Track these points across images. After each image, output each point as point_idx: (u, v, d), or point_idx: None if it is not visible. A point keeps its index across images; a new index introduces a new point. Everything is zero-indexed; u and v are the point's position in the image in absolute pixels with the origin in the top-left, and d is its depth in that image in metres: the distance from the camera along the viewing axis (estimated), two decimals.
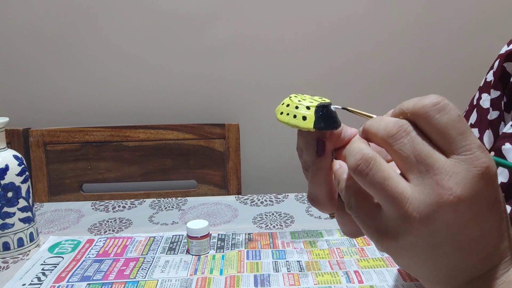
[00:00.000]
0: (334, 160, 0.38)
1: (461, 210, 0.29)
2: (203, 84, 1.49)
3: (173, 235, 0.92)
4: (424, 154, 0.30)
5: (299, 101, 0.37)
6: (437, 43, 1.48)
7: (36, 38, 1.45)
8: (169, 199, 1.13)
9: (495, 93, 0.54)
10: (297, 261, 0.81)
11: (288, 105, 0.38)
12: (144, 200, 1.13)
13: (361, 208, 0.33)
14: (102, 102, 1.50)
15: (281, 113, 0.38)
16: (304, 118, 0.37)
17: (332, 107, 0.39)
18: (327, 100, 0.38)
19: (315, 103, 0.37)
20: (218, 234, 0.92)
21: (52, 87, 1.49)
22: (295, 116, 0.37)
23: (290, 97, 0.39)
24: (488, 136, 0.54)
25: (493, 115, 0.54)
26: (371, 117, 0.36)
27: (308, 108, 0.37)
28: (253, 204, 1.09)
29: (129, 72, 1.48)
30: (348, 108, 0.39)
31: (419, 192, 0.30)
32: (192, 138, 1.40)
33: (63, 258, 0.84)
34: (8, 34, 1.44)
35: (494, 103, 0.54)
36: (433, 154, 0.30)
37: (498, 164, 0.31)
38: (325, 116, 0.37)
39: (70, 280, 0.76)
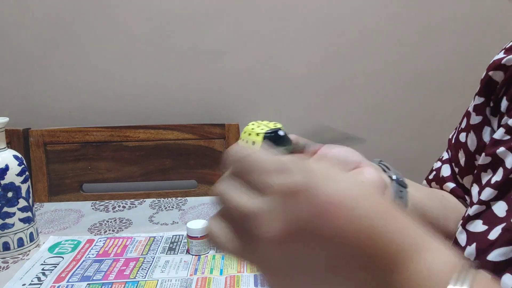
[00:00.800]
0: None
1: (291, 239, 0.28)
2: (203, 84, 1.49)
3: (173, 235, 0.92)
4: (235, 201, 0.31)
5: (252, 128, 0.44)
6: (440, 45, 1.47)
7: (36, 38, 1.45)
8: (169, 199, 1.13)
9: (479, 100, 0.57)
10: None
11: (245, 132, 0.44)
12: (144, 200, 1.13)
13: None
14: (102, 102, 1.50)
15: (242, 139, 0.44)
16: (253, 142, 0.43)
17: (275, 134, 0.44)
18: (279, 125, 0.44)
19: (265, 129, 0.43)
20: None
21: (52, 87, 1.49)
22: (247, 142, 0.43)
23: (248, 124, 0.45)
24: (471, 139, 0.58)
25: (475, 119, 0.57)
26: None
27: (257, 134, 0.43)
28: None
29: (129, 72, 1.48)
30: (286, 135, 0.44)
31: (243, 240, 0.31)
32: (192, 138, 1.40)
33: (63, 258, 0.84)
34: (8, 34, 1.44)
35: (477, 108, 0.57)
36: (243, 199, 0.31)
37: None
38: (272, 140, 0.42)
39: (70, 280, 0.76)
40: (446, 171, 0.63)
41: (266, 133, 0.42)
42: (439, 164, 0.65)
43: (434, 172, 0.65)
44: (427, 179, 0.66)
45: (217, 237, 0.31)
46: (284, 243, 0.28)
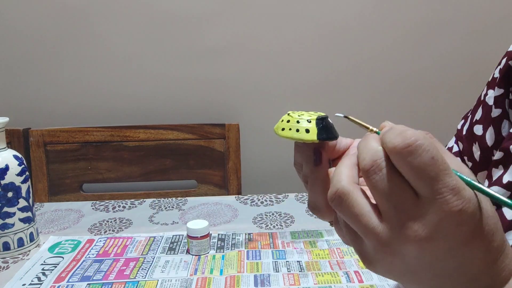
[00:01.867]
0: (331, 169, 0.40)
1: (428, 248, 0.30)
2: (203, 84, 1.49)
3: (173, 235, 0.92)
4: (394, 192, 0.31)
5: (298, 116, 0.40)
6: (442, 44, 1.48)
7: (36, 38, 1.45)
8: (169, 199, 1.13)
9: (499, 91, 0.54)
10: (297, 261, 0.81)
11: (288, 121, 0.40)
12: (144, 200, 1.13)
13: (348, 231, 0.35)
14: (102, 102, 1.50)
15: (283, 129, 0.40)
16: (307, 131, 0.39)
17: (336, 114, 0.41)
18: (323, 114, 0.41)
19: (315, 116, 0.40)
20: (218, 234, 0.92)
21: (52, 87, 1.49)
22: (298, 130, 0.39)
23: (289, 113, 0.41)
24: (490, 133, 0.54)
25: (495, 112, 0.54)
26: (368, 127, 0.37)
27: (309, 121, 0.39)
28: (253, 204, 1.09)
29: (129, 72, 1.48)
30: (349, 117, 0.40)
31: (387, 228, 0.31)
32: (192, 138, 1.40)
33: (63, 258, 0.84)
34: (8, 34, 1.44)
35: (497, 100, 0.54)
36: (402, 194, 0.31)
37: (472, 187, 0.31)
38: (326, 128, 0.39)
39: (70, 280, 0.76)
40: None
41: (317, 119, 0.40)
42: None
43: None
44: None
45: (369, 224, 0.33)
46: (423, 246, 0.30)
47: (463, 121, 0.62)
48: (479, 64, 0.52)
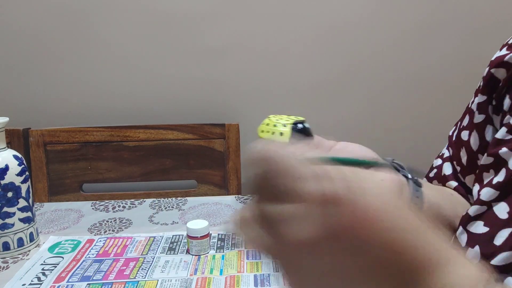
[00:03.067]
0: None
1: (321, 245, 0.29)
2: (203, 84, 1.49)
3: (173, 235, 0.92)
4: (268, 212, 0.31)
5: (276, 120, 0.43)
6: (442, 44, 1.47)
7: (36, 38, 1.45)
8: (169, 199, 1.13)
9: (482, 98, 0.56)
10: None
11: (267, 124, 0.43)
12: (144, 200, 1.13)
13: None
14: (102, 102, 1.50)
15: (262, 131, 0.43)
16: (282, 134, 0.42)
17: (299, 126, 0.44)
18: (302, 118, 0.44)
19: (291, 121, 0.43)
20: (218, 234, 0.92)
21: (52, 87, 1.49)
22: (273, 133, 0.42)
23: (269, 117, 0.44)
24: (474, 138, 0.57)
25: (478, 118, 0.56)
26: None
27: (284, 125, 0.42)
28: None
29: (129, 72, 1.48)
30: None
31: (278, 243, 0.31)
32: (192, 138, 1.40)
33: (63, 258, 0.84)
34: (8, 34, 1.44)
35: (480, 107, 0.56)
36: (275, 211, 0.30)
37: (337, 161, 0.30)
38: (299, 131, 0.42)
39: (70, 280, 0.76)
40: (447, 169, 0.62)
41: (293, 123, 0.42)
42: (439, 161, 0.64)
43: (435, 170, 0.64)
44: (427, 176, 0.64)
45: (247, 233, 0.32)
46: (316, 247, 0.28)
47: (454, 127, 0.64)
48: (479, 65, 0.53)
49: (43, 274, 0.79)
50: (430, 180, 0.64)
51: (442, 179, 0.62)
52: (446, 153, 0.64)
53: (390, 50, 1.48)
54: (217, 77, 1.49)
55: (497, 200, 0.47)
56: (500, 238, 0.44)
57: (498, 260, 0.43)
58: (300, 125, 0.42)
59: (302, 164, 0.28)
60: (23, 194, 0.86)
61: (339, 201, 0.27)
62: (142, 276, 0.77)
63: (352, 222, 0.28)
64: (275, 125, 0.43)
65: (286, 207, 0.29)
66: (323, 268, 0.30)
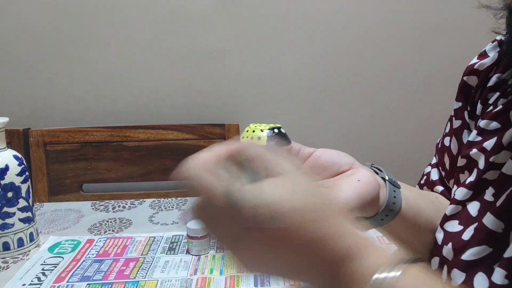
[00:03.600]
0: None
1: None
2: (203, 84, 1.49)
3: (173, 235, 0.92)
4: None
5: (255, 127, 0.48)
6: (443, 45, 1.47)
7: (36, 38, 1.45)
8: (169, 199, 1.13)
9: (457, 104, 0.59)
10: None
11: (247, 131, 0.48)
12: (144, 200, 1.13)
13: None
14: (102, 102, 1.50)
15: (243, 137, 0.48)
16: (259, 138, 0.47)
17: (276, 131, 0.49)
18: (278, 125, 0.49)
19: (268, 127, 0.48)
20: None
21: (52, 87, 1.49)
22: (252, 138, 0.47)
23: (250, 125, 0.49)
24: (453, 143, 0.59)
25: (456, 124, 0.59)
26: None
27: (262, 131, 0.47)
28: None
29: (129, 72, 1.48)
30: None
31: None
32: (192, 138, 1.40)
33: (63, 258, 0.84)
34: (8, 34, 1.44)
35: (457, 113, 0.59)
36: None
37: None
38: (276, 136, 0.47)
39: (70, 280, 0.76)
40: (434, 175, 0.64)
41: (270, 129, 0.47)
42: (429, 168, 0.66)
43: (425, 177, 0.66)
44: (419, 184, 0.67)
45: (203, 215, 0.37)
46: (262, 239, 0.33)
47: (441, 136, 0.66)
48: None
49: (43, 274, 0.79)
50: (421, 186, 0.66)
51: (430, 185, 0.64)
52: (434, 160, 0.66)
53: (390, 51, 1.48)
54: (217, 78, 1.49)
55: (470, 199, 0.49)
56: (468, 233, 0.46)
57: (467, 255, 0.45)
58: (276, 130, 0.47)
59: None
60: (23, 194, 0.86)
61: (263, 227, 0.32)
62: (142, 276, 0.77)
63: (276, 244, 0.33)
64: (253, 131, 0.48)
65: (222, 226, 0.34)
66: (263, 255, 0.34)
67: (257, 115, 1.51)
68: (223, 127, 1.40)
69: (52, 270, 0.80)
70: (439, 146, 0.64)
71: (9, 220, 0.84)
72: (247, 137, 0.47)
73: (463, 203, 0.49)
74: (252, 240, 0.33)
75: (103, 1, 1.41)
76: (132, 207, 1.09)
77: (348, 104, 1.51)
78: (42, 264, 0.82)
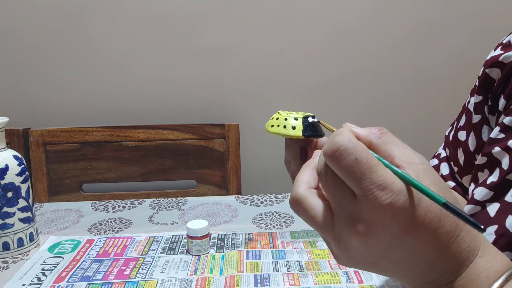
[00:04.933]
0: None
1: (370, 242, 0.33)
2: (203, 84, 1.49)
3: (173, 235, 0.92)
4: (336, 194, 0.34)
5: (287, 114, 0.43)
6: (443, 46, 1.47)
7: (36, 39, 1.45)
8: (169, 199, 1.13)
9: (478, 98, 0.56)
10: (297, 261, 0.81)
11: (277, 119, 0.43)
12: (144, 200, 1.13)
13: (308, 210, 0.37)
14: (102, 102, 1.50)
15: (272, 126, 0.43)
16: (294, 127, 0.42)
17: (310, 120, 0.44)
18: (311, 113, 0.44)
19: (302, 115, 0.43)
20: (218, 234, 0.92)
21: (52, 87, 1.49)
22: (285, 127, 0.42)
23: (279, 112, 0.44)
24: (471, 139, 0.57)
25: (475, 118, 0.56)
26: (333, 130, 0.41)
27: (296, 119, 0.42)
28: (253, 204, 1.09)
29: (129, 73, 1.48)
30: (321, 121, 0.44)
31: (338, 225, 0.34)
32: (192, 138, 1.40)
33: (63, 258, 0.84)
34: (8, 34, 1.44)
35: (477, 107, 0.56)
36: (343, 193, 0.34)
37: (406, 181, 0.33)
38: (311, 126, 0.42)
39: (70, 280, 0.76)
40: (445, 169, 0.62)
41: (304, 117, 0.43)
42: (436, 161, 0.64)
43: None
44: None
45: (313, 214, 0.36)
46: (366, 239, 0.33)
47: (450, 127, 0.64)
48: (480, 65, 0.53)
49: (43, 274, 0.79)
50: None
51: None
52: (443, 153, 0.64)
53: (390, 52, 1.48)
54: (217, 77, 1.49)
55: (491, 200, 0.47)
56: (487, 236, 0.45)
57: None
58: (311, 119, 0.43)
59: (380, 170, 0.32)
60: (23, 194, 0.86)
61: (400, 210, 0.32)
62: (142, 276, 0.77)
63: (411, 226, 0.32)
64: (285, 119, 0.43)
65: (354, 205, 0.33)
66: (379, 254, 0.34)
67: (257, 115, 1.51)
68: (223, 127, 1.40)
69: (52, 270, 0.80)
70: (451, 139, 0.62)
71: (9, 220, 0.84)
72: (278, 125, 0.43)
73: (482, 204, 0.48)
74: (391, 229, 0.32)
75: (103, 1, 1.41)
76: (132, 207, 1.09)
77: (349, 103, 1.52)
78: (42, 264, 0.82)
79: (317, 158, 0.38)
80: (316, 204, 0.36)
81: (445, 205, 0.30)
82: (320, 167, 0.35)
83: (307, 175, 0.38)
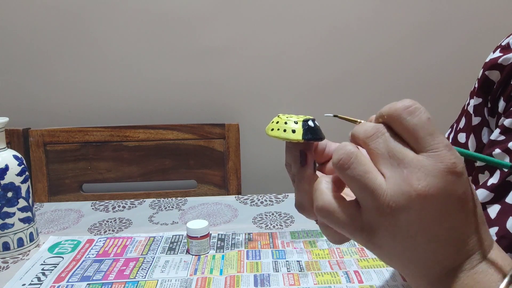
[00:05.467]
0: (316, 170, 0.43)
1: (430, 200, 0.32)
2: (203, 84, 1.49)
3: (173, 235, 0.92)
4: (395, 150, 0.34)
5: (287, 117, 0.43)
6: (443, 45, 1.48)
7: (36, 39, 1.45)
8: (169, 199, 1.13)
9: (477, 100, 0.57)
10: (297, 261, 0.81)
11: (277, 122, 0.43)
12: (144, 200, 1.13)
13: (337, 219, 0.36)
14: (102, 102, 1.50)
15: (272, 129, 0.43)
16: (294, 131, 0.42)
17: (325, 115, 0.44)
18: (311, 117, 0.44)
19: (302, 118, 0.43)
20: (218, 234, 0.92)
21: (52, 87, 1.49)
22: (285, 131, 0.42)
23: (279, 115, 0.44)
24: (471, 141, 0.57)
25: (475, 120, 0.57)
26: (357, 121, 0.40)
27: (296, 122, 0.42)
28: (253, 204, 1.09)
29: (129, 73, 1.48)
30: (338, 115, 0.43)
31: (392, 183, 0.33)
32: (192, 138, 1.40)
33: (63, 258, 0.84)
34: (8, 35, 1.44)
35: (476, 109, 0.57)
36: (404, 151, 0.34)
37: (464, 155, 0.34)
38: (311, 129, 0.42)
39: (70, 280, 0.76)
40: None
41: (304, 121, 0.42)
42: None
43: None
44: None
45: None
46: (426, 197, 0.32)
47: (450, 129, 0.64)
48: (480, 67, 0.53)
49: (43, 274, 0.79)
50: None
51: None
52: None
53: (390, 52, 1.48)
54: (217, 77, 1.49)
55: (492, 202, 0.48)
56: None
57: None
58: (311, 122, 0.42)
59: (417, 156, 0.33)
60: (23, 194, 0.86)
61: (460, 173, 0.32)
62: (142, 276, 0.77)
63: (463, 195, 0.33)
64: (285, 123, 0.43)
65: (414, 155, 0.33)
66: (411, 229, 0.33)
67: (257, 115, 1.51)
68: (223, 127, 1.40)
69: (52, 270, 0.80)
70: (450, 141, 0.62)
71: (9, 220, 0.84)
72: (278, 129, 0.43)
73: (483, 206, 0.48)
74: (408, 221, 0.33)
75: (103, 1, 1.41)
76: (132, 207, 1.09)
77: (348, 104, 1.52)
78: (42, 264, 0.82)
79: (344, 142, 0.38)
80: (367, 161, 0.35)
81: None
82: (372, 130, 0.36)
83: (350, 143, 0.37)
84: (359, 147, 0.37)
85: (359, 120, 0.40)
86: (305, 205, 0.43)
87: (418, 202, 0.32)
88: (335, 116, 0.43)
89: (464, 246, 0.34)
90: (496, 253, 0.35)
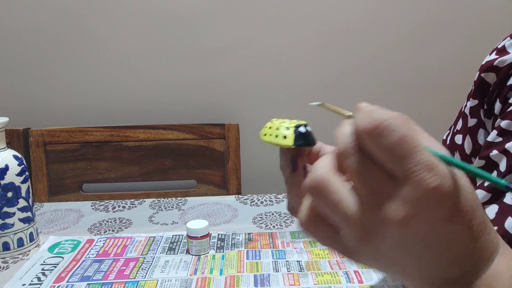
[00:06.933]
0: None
1: (410, 225, 0.29)
2: (203, 84, 1.49)
3: (173, 235, 0.92)
4: (367, 176, 0.30)
5: (280, 123, 0.43)
6: (444, 45, 1.48)
7: (36, 39, 1.45)
8: (169, 199, 1.13)
9: (473, 102, 0.57)
10: (297, 261, 0.81)
11: (270, 127, 0.44)
12: (144, 200, 1.13)
13: (324, 228, 0.33)
14: (102, 102, 1.50)
15: (265, 134, 0.44)
16: (285, 137, 0.42)
17: (310, 104, 0.44)
18: (304, 122, 0.44)
19: (294, 124, 0.43)
20: (218, 234, 0.92)
21: (52, 87, 1.49)
22: (277, 136, 0.43)
23: (272, 121, 0.44)
24: (467, 142, 0.58)
25: (471, 122, 0.57)
26: (343, 113, 0.38)
27: (287, 128, 0.42)
28: (253, 204, 1.09)
29: (129, 73, 1.48)
30: (325, 104, 0.41)
31: (366, 212, 0.30)
32: (192, 138, 1.40)
33: (63, 258, 0.84)
34: (8, 35, 1.44)
35: (472, 111, 0.57)
36: (376, 175, 0.30)
37: (456, 166, 0.31)
38: (302, 135, 0.42)
39: (70, 280, 0.76)
40: None
41: (296, 126, 0.42)
42: None
43: None
44: None
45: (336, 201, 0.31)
46: (406, 224, 0.29)
47: (448, 131, 0.65)
48: (479, 67, 0.54)
49: (43, 274, 0.79)
50: None
51: None
52: None
53: (390, 52, 1.48)
54: (217, 77, 1.49)
55: (489, 202, 0.48)
56: None
57: None
58: (302, 128, 0.42)
59: (424, 150, 0.29)
60: (23, 194, 0.86)
61: (446, 193, 0.29)
62: (142, 276, 0.77)
63: (445, 215, 0.30)
64: (277, 128, 0.43)
65: (390, 183, 0.30)
66: (403, 243, 0.31)
67: (257, 115, 1.51)
68: (223, 127, 1.40)
69: (52, 270, 0.80)
70: (448, 143, 0.62)
71: (9, 220, 0.84)
72: (271, 134, 0.43)
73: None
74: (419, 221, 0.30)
75: (103, 2, 1.41)
76: (132, 207, 1.09)
77: (348, 104, 1.51)
78: (42, 264, 0.82)
79: (321, 161, 0.35)
80: (340, 188, 0.31)
81: (508, 188, 0.29)
82: (347, 146, 0.31)
83: (327, 161, 0.33)
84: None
85: (345, 113, 0.38)
86: (297, 209, 0.41)
87: (396, 230, 0.29)
88: (321, 105, 0.41)
89: (460, 258, 0.32)
90: (501, 260, 0.33)
